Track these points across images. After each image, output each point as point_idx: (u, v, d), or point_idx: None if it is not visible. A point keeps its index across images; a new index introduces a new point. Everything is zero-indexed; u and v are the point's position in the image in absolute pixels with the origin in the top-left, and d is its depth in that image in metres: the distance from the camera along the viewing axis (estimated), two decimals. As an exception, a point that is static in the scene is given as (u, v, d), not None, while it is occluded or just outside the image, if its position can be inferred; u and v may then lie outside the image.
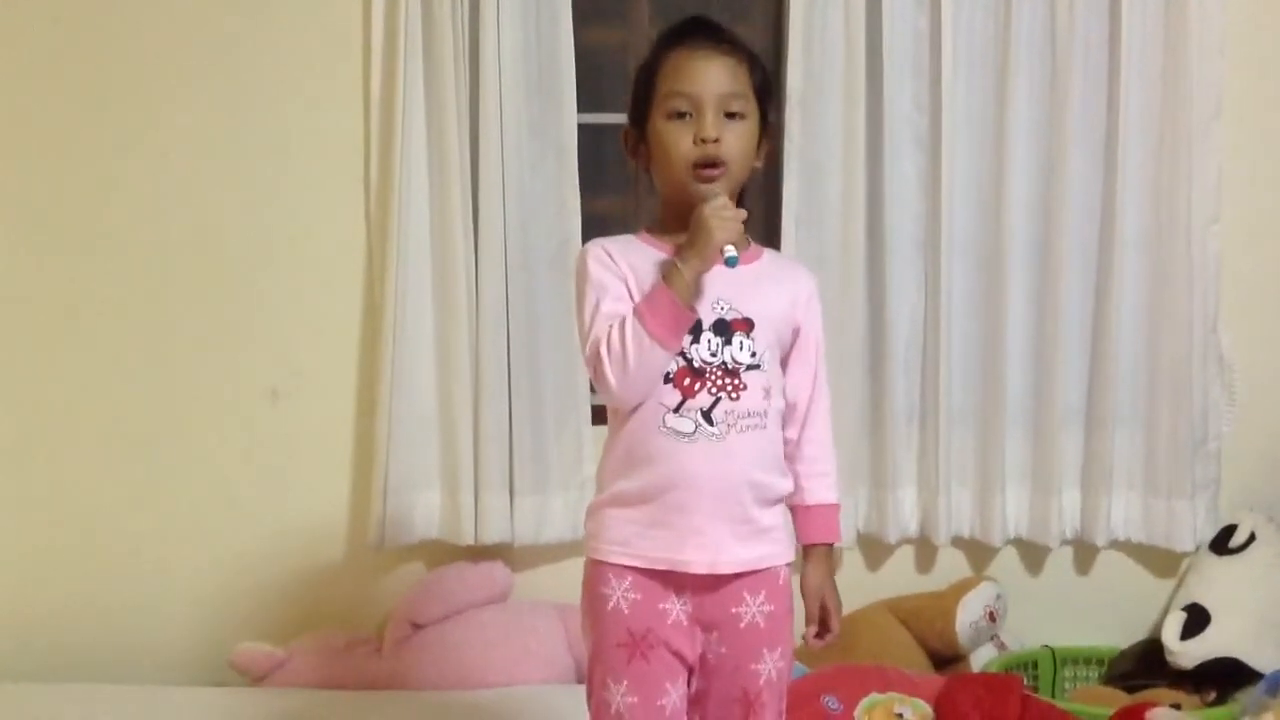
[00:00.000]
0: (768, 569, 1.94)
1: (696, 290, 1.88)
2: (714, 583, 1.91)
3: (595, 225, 3.14)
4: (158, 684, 3.03)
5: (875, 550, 3.25)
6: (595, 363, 1.88)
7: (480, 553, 3.14)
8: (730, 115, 1.92)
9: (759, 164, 2.01)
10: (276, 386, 3.17)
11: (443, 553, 3.17)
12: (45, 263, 3.18)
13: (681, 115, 1.92)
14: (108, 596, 3.17)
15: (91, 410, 3.18)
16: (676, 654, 1.91)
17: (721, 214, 1.86)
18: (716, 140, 1.90)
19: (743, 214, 1.90)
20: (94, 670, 3.10)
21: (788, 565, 1.98)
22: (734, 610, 1.93)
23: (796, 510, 2.03)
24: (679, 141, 1.91)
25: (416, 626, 3.05)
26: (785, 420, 2.00)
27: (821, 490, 2.03)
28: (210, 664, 3.09)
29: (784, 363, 2.00)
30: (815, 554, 2.03)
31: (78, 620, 3.16)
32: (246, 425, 3.18)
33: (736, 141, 1.92)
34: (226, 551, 3.18)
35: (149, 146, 3.15)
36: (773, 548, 1.95)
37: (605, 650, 1.92)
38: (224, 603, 3.18)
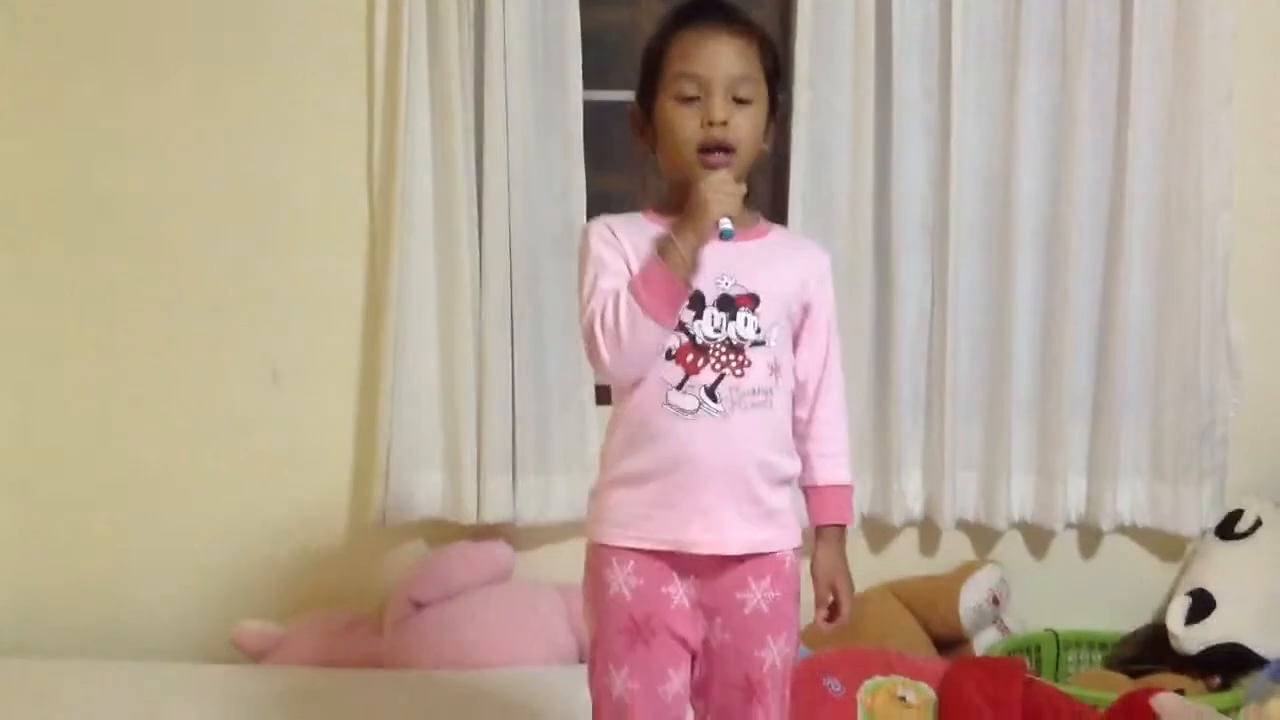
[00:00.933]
0: (773, 553, 1.92)
1: (694, 265, 1.85)
2: (719, 566, 1.89)
3: (601, 203, 3.13)
4: (158, 660, 3.03)
5: (879, 533, 3.25)
6: (589, 337, 1.87)
7: (482, 532, 3.14)
8: (739, 100, 1.89)
9: (767, 147, 1.98)
10: (278, 366, 3.17)
11: (445, 532, 3.16)
12: (44, 247, 3.17)
13: (690, 98, 1.89)
14: (109, 573, 3.18)
15: (93, 390, 3.17)
16: (680, 639, 1.90)
17: (720, 187, 1.84)
18: (724, 123, 1.87)
19: (742, 188, 1.88)
20: (95, 647, 3.11)
21: (795, 550, 1.96)
22: (738, 596, 1.91)
23: (808, 490, 2.00)
24: (686, 124, 1.89)
25: (418, 606, 3.04)
26: (796, 399, 1.97)
27: (833, 470, 2.00)
28: (211, 641, 3.09)
29: (795, 340, 1.98)
30: (826, 535, 2.01)
31: (78, 597, 3.17)
32: (249, 404, 3.17)
33: (745, 124, 1.90)
34: (228, 529, 3.18)
35: (150, 129, 3.13)
36: (780, 532, 1.93)
37: (607, 636, 1.91)
38: (225, 580, 3.18)
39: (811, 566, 2.00)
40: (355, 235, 3.15)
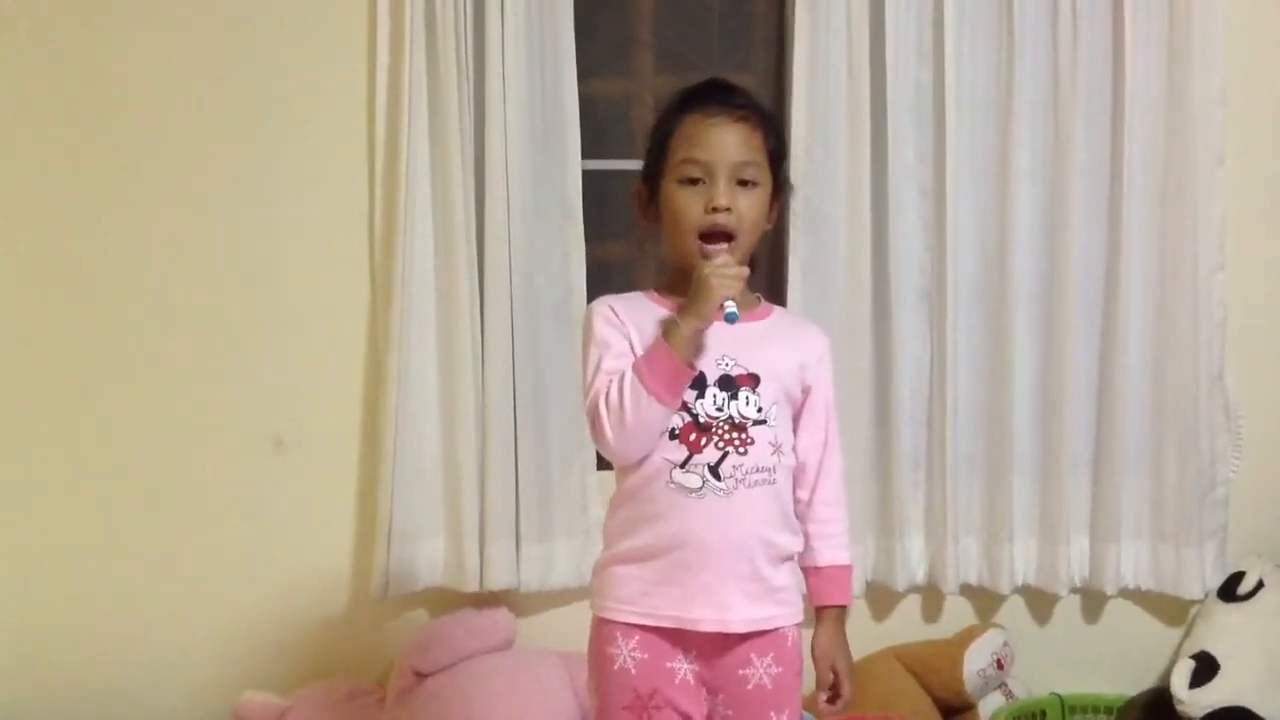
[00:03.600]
0: (776, 630, 1.94)
1: (697, 347, 1.88)
2: (722, 642, 1.91)
3: (600, 272, 3.15)
4: (161, 733, 3.03)
5: (882, 598, 3.24)
6: (594, 418, 1.89)
7: (485, 600, 3.13)
8: (743, 182, 1.93)
9: (769, 226, 2.01)
10: (281, 435, 3.17)
11: (447, 600, 3.15)
12: (45, 310, 3.16)
13: (694, 181, 1.92)
14: (111, 646, 3.16)
15: (94, 459, 3.16)
16: (683, 715, 1.90)
17: (722, 271, 1.86)
18: (727, 209, 1.90)
19: (744, 271, 1.91)
20: (97, 719, 3.08)
21: (797, 626, 1.97)
22: (741, 672, 1.92)
23: (808, 571, 2.02)
24: (690, 208, 1.92)
25: (420, 675, 3.02)
26: (796, 480, 2.00)
27: (834, 551, 2.02)
28: (214, 714, 3.07)
29: (795, 421, 2.00)
30: (827, 616, 2.02)
31: (80, 670, 3.15)
32: (251, 473, 3.17)
33: (748, 210, 1.93)
34: (230, 600, 3.17)
35: (149, 192, 3.14)
36: (783, 609, 1.94)
37: (611, 711, 1.91)
38: (227, 652, 3.16)
39: (812, 647, 2.01)
40: (357, 304, 3.16)
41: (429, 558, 3.12)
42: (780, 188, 2.02)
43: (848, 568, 2.04)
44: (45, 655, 3.16)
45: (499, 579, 3.09)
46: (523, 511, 3.10)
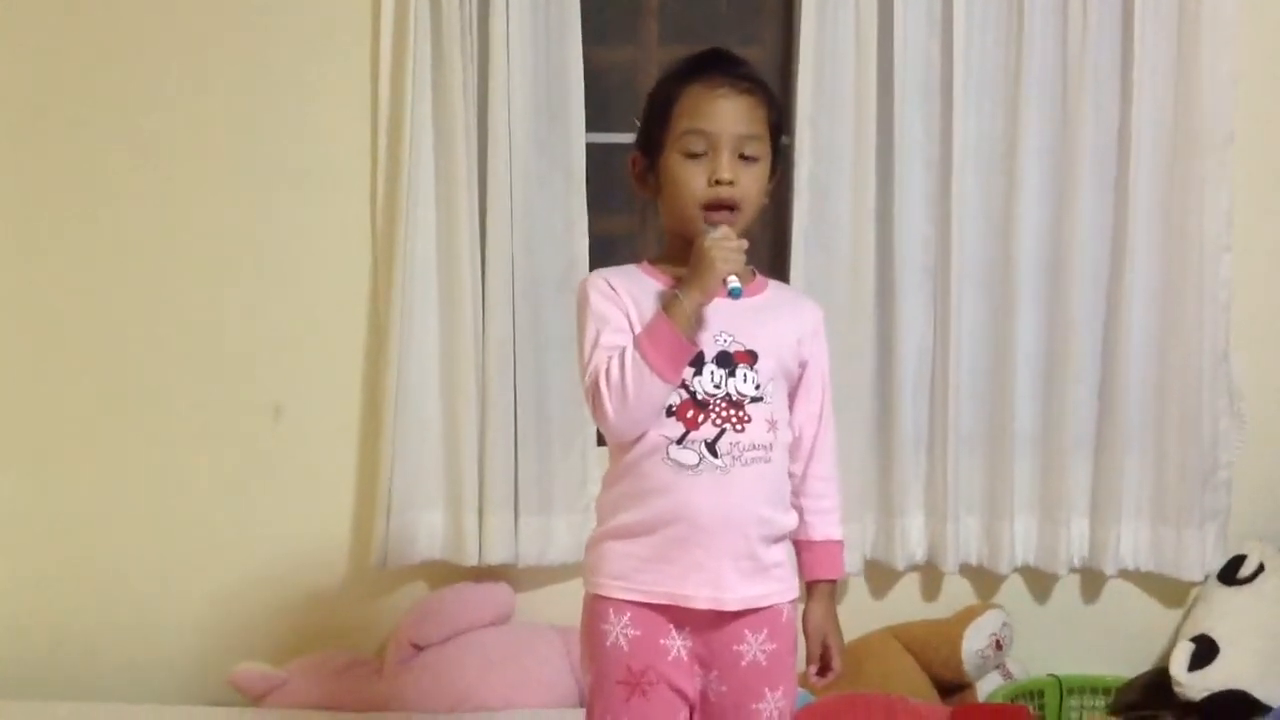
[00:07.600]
0: (770, 607, 1.93)
1: (698, 322, 1.87)
2: (716, 619, 1.90)
3: (602, 245, 3.13)
4: (157, 703, 3.03)
5: (882, 577, 3.23)
6: (594, 394, 1.87)
7: (484, 574, 3.13)
8: (745, 157, 1.91)
9: (766, 200, 1.99)
10: (280, 404, 3.16)
11: (446, 573, 3.15)
12: (45, 278, 3.16)
13: (697, 154, 1.90)
14: (108, 614, 3.16)
15: (93, 428, 3.17)
16: (677, 691, 1.90)
17: (723, 244, 1.85)
18: (731, 183, 1.89)
19: (745, 244, 1.89)
20: (94, 688, 3.09)
21: (791, 603, 1.97)
22: (735, 648, 1.91)
23: (800, 545, 2.02)
24: (692, 180, 1.90)
25: (417, 647, 3.03)
26: (790, 454, 1.98)
27: (826, 526, 2.01)
28: (210, 683, 3.08)
29: (791, 396, 1.98)
30: (818, 590, 2.02)
31: (78, 637, 3.15)
32: (250, 443, 3.16)
33: (751, 184, 1.92)
34: (227, 570, 3.17)
35: (153, 163, 3.13)
36: (776, 585, 1.94)
37: (605, 687, 1.90)
38: (224, 622, 3.16)
39: (803, 621, 2.01)
40: (358, 275, 3.14)
41: (428, 530, 3.12)
42: (777, 158, 2.00)
43: (840, 543, 2.04)
44: (41, 624, 3.17)
45: (497, 553, 3.09)
46: (522, 485, 3.10)
